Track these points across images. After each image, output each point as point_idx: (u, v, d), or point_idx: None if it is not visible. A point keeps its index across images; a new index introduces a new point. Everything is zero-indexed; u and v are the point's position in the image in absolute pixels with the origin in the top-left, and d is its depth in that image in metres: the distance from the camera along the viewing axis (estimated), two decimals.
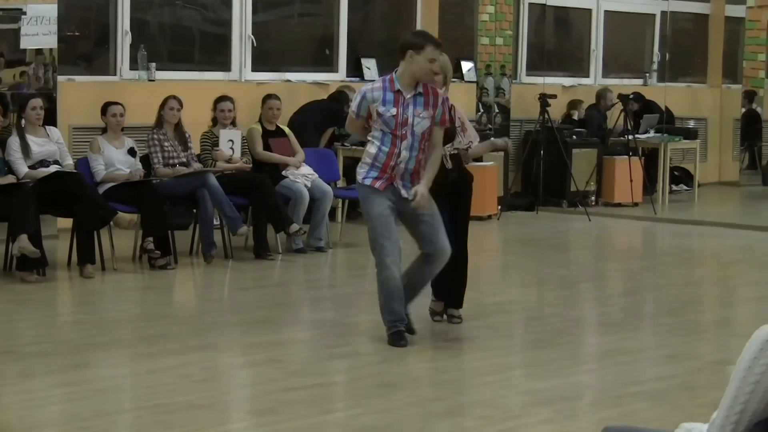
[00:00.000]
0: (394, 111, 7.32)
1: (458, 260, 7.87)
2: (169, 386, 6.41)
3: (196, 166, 10.82)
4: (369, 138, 7.42)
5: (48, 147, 10.06)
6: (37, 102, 10.20)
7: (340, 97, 13.29)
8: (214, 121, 11.28)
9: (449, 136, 7.88)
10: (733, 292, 10.40)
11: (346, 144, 13.20)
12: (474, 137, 8.08)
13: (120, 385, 6.71)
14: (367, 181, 7.35)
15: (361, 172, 7.40)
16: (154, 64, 12.58)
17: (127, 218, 9.97)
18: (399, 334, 7.41)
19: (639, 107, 16.28)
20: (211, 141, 11.14)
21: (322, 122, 13.05)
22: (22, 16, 11.39)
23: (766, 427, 3.02)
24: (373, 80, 7.48)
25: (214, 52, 13.81)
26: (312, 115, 12.99)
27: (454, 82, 15.18)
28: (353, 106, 7.50)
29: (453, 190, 7.92)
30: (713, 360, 7.48)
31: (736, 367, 3.06)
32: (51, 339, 7.64)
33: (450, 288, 8.05)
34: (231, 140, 11.16)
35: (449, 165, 7.89)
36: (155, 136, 10.72)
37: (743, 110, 18.16)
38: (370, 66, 14.56)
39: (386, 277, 7.35)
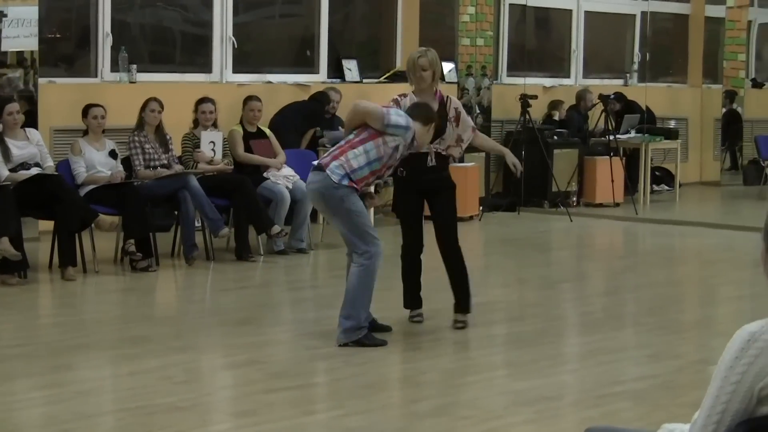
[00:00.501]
0: (397, 155, 7.45)
1: (452, 264, 7.98)
2: (151, 388, 6.40)
3: (178, 167, 10.81)
4: (358, 149, 7.37)
5: (28, 150, 10.02)
6: (14, 107, 10.13)
7: (320, 98, 13.29)
8: (195, 123, 11.26)
9: (438, 132, 7.87)
10: (714, 291, 10.43)
11: (327, 145, 13.18)
12: (466, 128, 8.08)
13: (101, 387, 6.69)
14: (345, 182, 7.34)
15: (338, 173, 7.33)
16: (135, 66, 12.55)
17: (108, 220, 9.95)
18: (370, 335, 7.45)
19: (620, 107, 16.32)
20: (192, 143, 11.12)
21: (302, 123, 13.04)
22: (3, 19, 11.36)
23: (747, 427, 3.02)
24: (408, 127, 7.50)
25: (195, 54, 13.80)
26: (292, 115, 12.98)
27: None
28: (393, 119, 7.38)
29: (427, 187, 7.93)
30: (695, 359, 7.50)
31: (717, 367, 3.07)
32: (32, 341, 7.61)
33: (454, 293, 8.08)
34: (212, 142, 11.14)
35: (431, 163, 7.91)
36: (136, 138, 10.70)
37: (724, 110, 18.21)
38: (351, 67, 14.56)
39: (376, 267, 7.39)
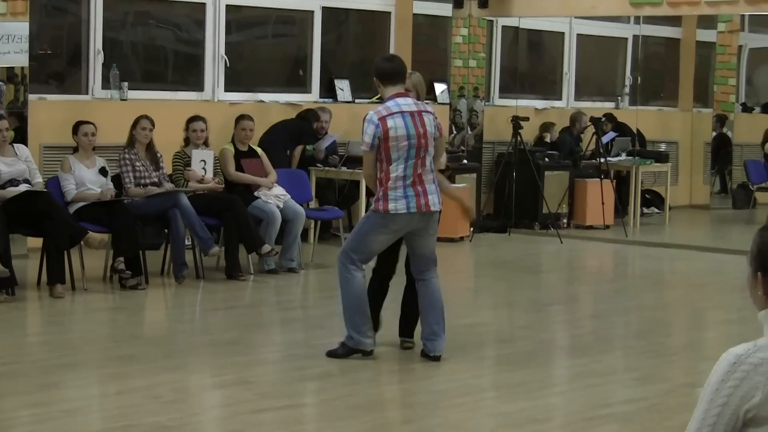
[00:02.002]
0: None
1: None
2: (139, 407, 6.38)
3: (168, 186, 10.79)
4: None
5: (17, 166, 10.00)
6: (2, 124, 10.11)
7: (308, 116, 13.31)
8: (186, 141, 11.26)
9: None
10: (702, 314, 10.44)
11: (319, 164, 13.20)
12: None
13: (89, 406, 6.67)
14: None
15: None
16: (126, 84, 12.55)
17: (97, 238, 9.93)
18: None
19: (611, 129, 16.34)
20: (183, 161, 11.11)
21: (290, 140, 13.04)
22: None
23: None
24: None
25: (186, 72, 13.80)
26: (281, 134, 12.99)
27: (426, 103, 15.30)
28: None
29: None
30: (682, 383, 7.50)
31: (704, 390, 3.07)
32: (19, 359, 7.59)
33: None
34: (203, 160, 11.13)
35: None
36: (127, 156, 10.69)
37: (714, 134, 18.24)
38: (343, 87, 14.58)
39: None
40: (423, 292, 7.63)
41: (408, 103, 7.46)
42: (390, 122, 7.32)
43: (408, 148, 7.34)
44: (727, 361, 3.04)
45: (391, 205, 7.34)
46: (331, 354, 7.57)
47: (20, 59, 11.54)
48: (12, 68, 11.58)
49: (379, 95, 7.71)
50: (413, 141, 7.34)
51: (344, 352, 7.53)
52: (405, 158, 7.34)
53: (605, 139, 15.66)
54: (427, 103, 7.92)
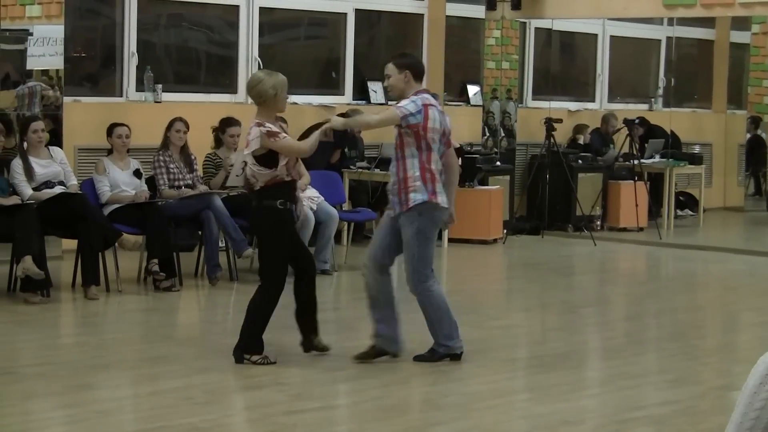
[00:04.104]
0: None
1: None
2: (172, 408, 6.40)
3: (202, 188, 10.82)
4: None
5: (52, 168, 10.06)
6: (39, 125, 10.18)
7: None
8: (217, 143, 11.27)
9: None
10: (736, 317, 10.38)
11: (352, 167, 13.21)
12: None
13: (122, 407, 6.70)
14: None
15: None
16: (160, 86, 12.60)
17: (131, 240, 9.98)
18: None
19: (643, 132, 16.28)
20: (213, 163, 11.13)
21: (327, 144, 13.02)
22: (29, 37, 11.42)
23: None
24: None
25: (220, 74, 13.84)
26: None
27: (459, 105, 15.34)
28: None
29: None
30: (716, 385, 7.47)
31: (741, 394, 3.05)
32: (52, 360, 7.63)
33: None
34: (245, 162, 11.10)
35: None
36: (161, 158, 10.73)
37: (748, 136, 18.16)
38: (376, 89, 14.59)
39: None
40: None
41: (434, 100, 7.59)
42: (431, 112, 7.42)
43: (437, 143, 7.44)
44: (765, 364, 3.02)
45: (440, 198, 7.46)
46: (420, 358, 7.60)
47: (55, 62, 11.59)
48: (47, 71, 11.63)
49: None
50: (441, 137, 7.47)
51: (436, 357, 7.60)
52: (437, 152, 7.44)
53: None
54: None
